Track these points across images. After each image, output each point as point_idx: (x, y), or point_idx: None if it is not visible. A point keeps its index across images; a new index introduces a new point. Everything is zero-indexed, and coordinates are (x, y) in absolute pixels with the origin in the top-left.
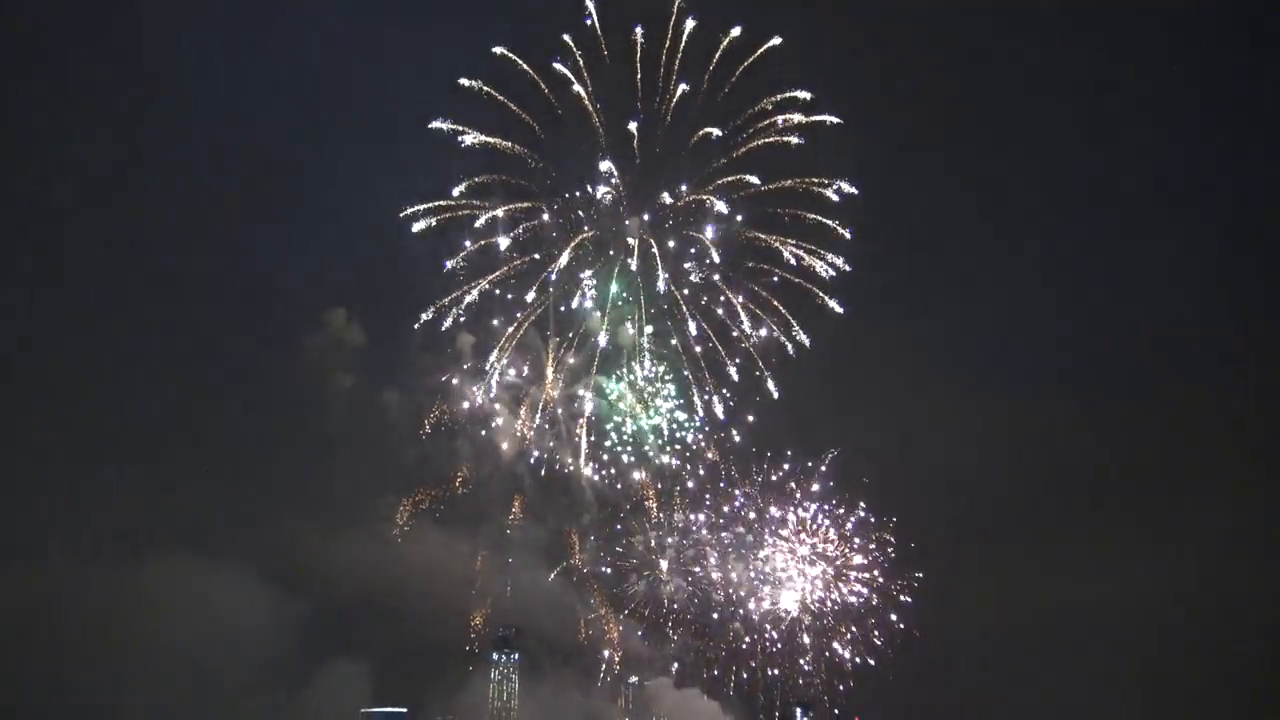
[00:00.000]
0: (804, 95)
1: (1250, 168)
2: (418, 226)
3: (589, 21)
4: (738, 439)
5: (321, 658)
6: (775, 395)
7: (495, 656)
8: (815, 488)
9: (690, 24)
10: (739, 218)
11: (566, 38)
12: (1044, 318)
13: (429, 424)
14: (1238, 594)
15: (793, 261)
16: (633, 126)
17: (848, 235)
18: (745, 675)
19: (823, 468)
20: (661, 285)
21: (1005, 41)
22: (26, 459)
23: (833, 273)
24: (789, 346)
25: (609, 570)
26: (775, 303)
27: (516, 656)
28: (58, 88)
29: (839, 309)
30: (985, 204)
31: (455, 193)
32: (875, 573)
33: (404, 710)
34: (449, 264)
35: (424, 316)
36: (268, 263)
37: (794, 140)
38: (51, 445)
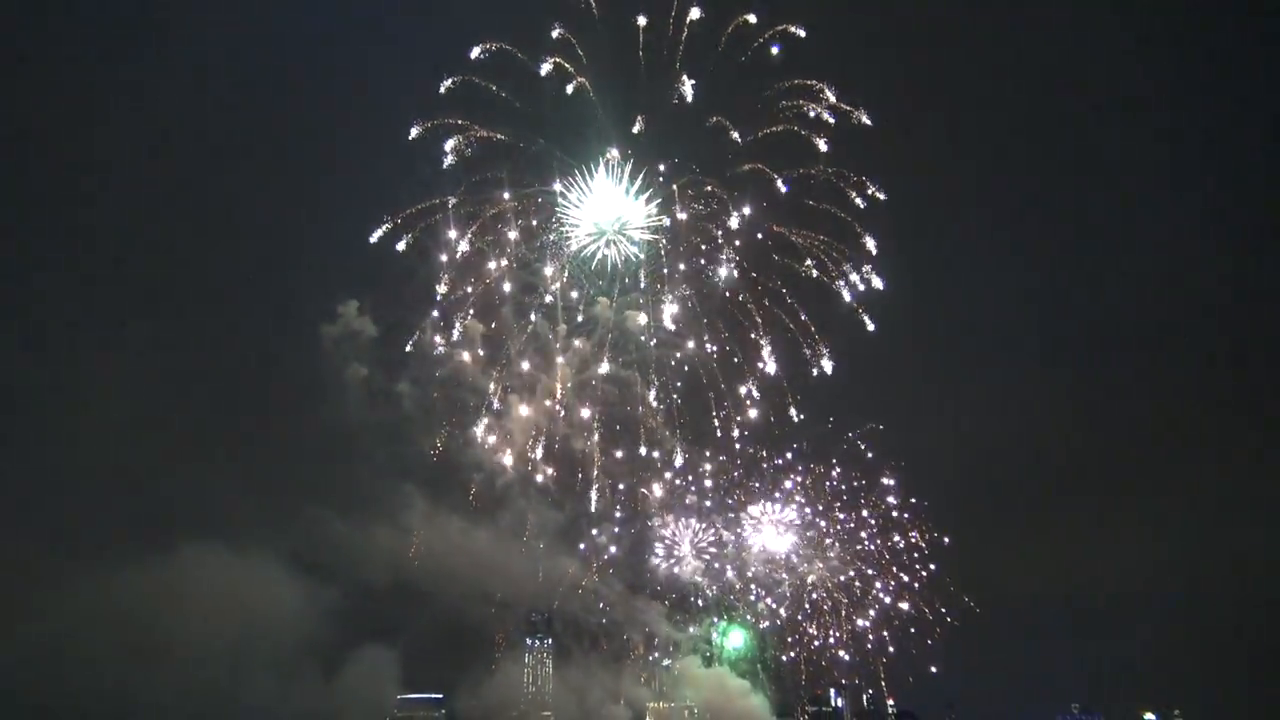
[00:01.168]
0: (824, 89)
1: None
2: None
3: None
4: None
5: (353, 644)
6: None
7: (529, 641)
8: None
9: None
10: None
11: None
12: (1071, 300)
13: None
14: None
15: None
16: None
17: (871, 246)
18: (778, 654)
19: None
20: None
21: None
22: (57, 455)
23: (861, 287)
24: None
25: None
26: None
27: (550, 641)
28: (77, 86)
29: (869, 324)
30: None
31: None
32: (908, 554)
33: (439, 696)
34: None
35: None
36: (282, 255)
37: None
38: (80, 440)
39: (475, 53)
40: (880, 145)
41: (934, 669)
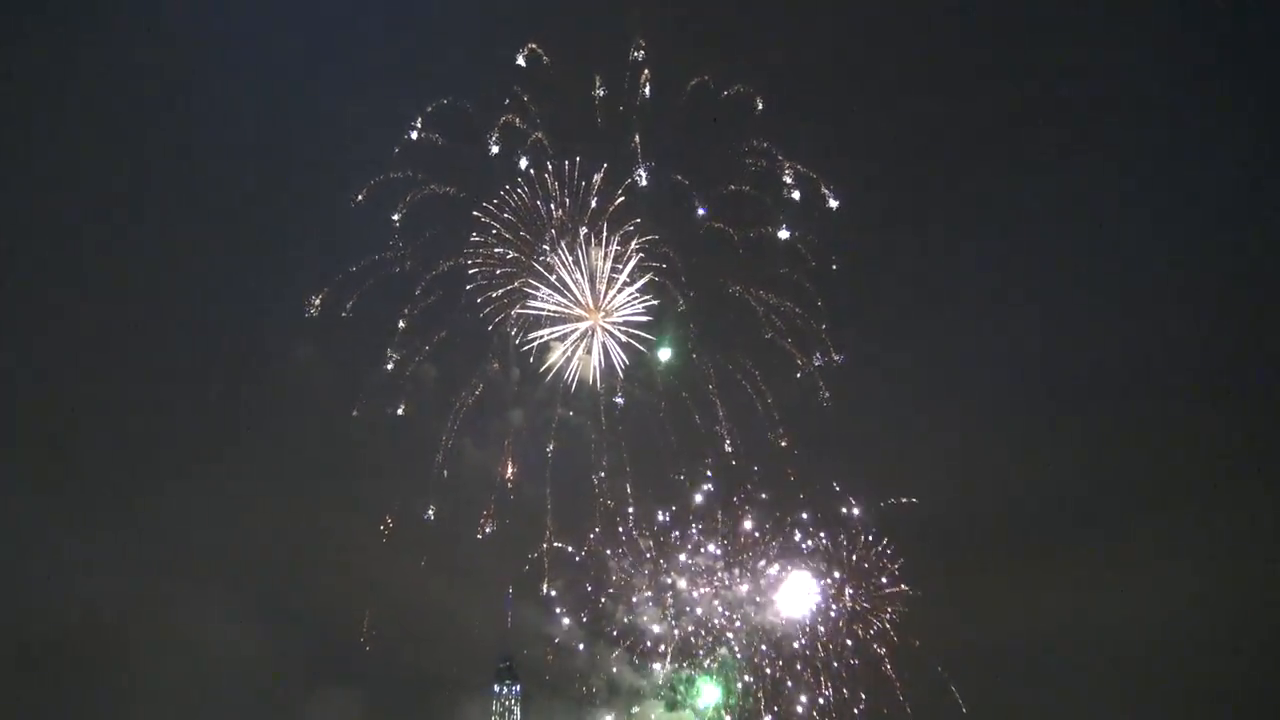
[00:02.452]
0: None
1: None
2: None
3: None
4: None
5: (311, 689)
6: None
7: (496, 688)
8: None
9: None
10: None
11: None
12: (1041, 331)
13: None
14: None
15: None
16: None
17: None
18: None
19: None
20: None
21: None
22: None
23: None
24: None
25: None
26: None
27: (518, 688)
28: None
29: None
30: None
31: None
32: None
33: None
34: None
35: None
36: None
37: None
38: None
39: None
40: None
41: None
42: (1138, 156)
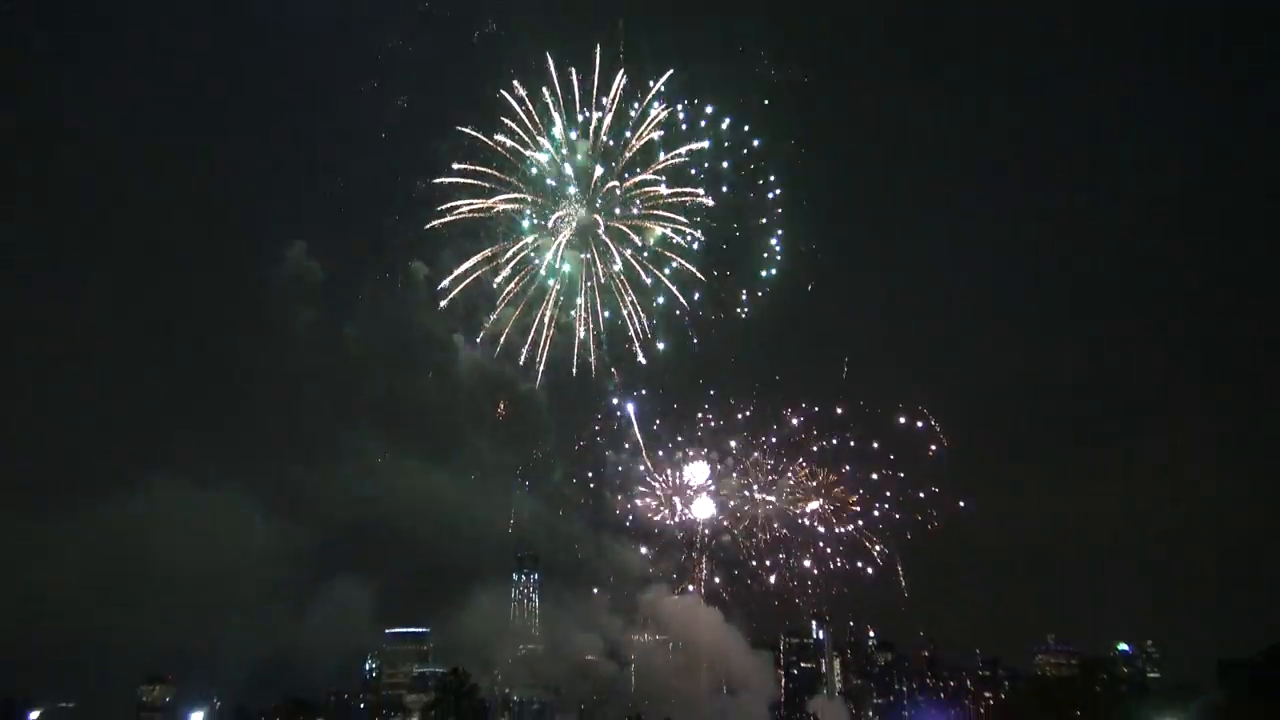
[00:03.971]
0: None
1: None
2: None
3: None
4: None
5: (324, 580)
6: None
7: (515, 576)
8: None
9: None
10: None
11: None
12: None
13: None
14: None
15: None
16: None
17: None
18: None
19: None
20: None
21: None
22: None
23: None
24: None
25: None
26: None
27: (536, 576)
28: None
29: None
30: None
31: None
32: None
33: (426, 630)
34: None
35: None
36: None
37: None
38: (41, 380)
39: None
40: None
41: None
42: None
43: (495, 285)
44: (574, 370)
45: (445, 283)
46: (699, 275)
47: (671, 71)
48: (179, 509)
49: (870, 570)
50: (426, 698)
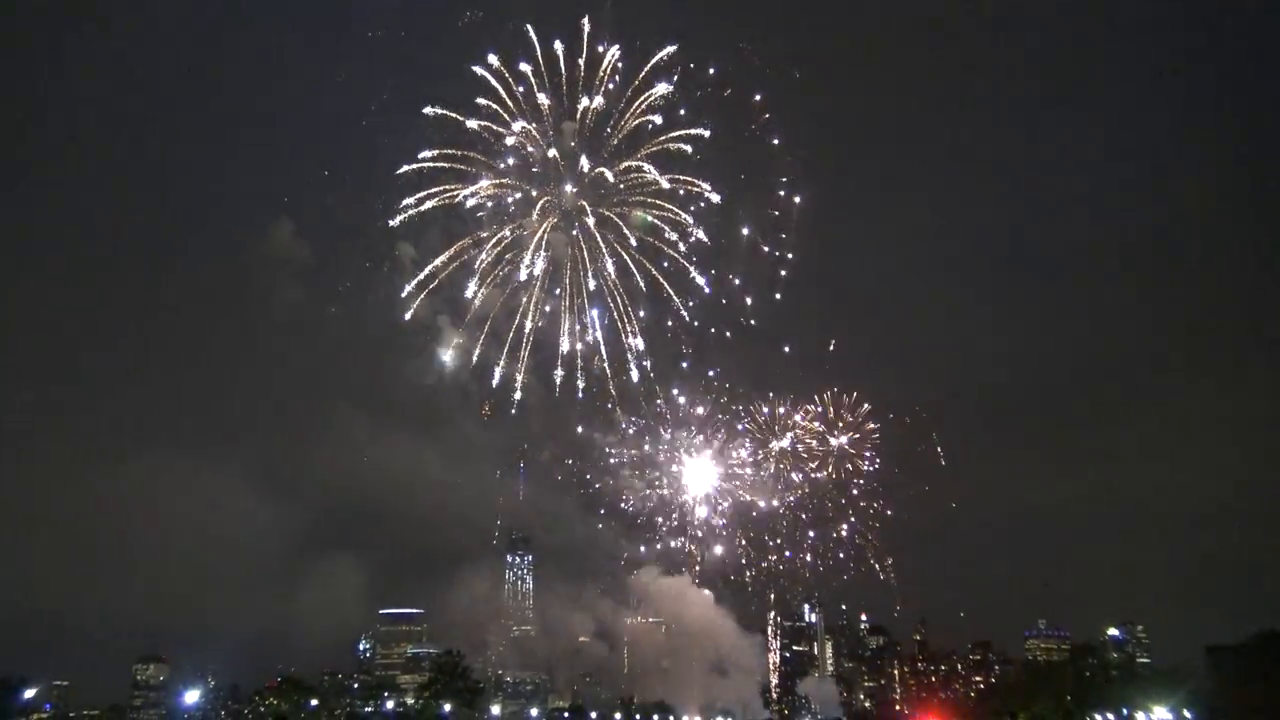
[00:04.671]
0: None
1: None
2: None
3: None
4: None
5: (316, 559)
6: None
7: (510, 558)
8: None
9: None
10: None
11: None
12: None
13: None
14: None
15: None
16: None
17: None
18: (745, 567)
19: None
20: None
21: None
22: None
23: None
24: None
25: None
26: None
27: (530, 557)
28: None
29: None
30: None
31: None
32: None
33: (420, 611)
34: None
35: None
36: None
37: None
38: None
39: None
40: None
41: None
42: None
43: (477, 269)
44: (558, 367)
45: (429, 267)
46: (698, 279)
47: (673, 49)
48: (170, 485)
49: (859, 561)
50: (421, 678)
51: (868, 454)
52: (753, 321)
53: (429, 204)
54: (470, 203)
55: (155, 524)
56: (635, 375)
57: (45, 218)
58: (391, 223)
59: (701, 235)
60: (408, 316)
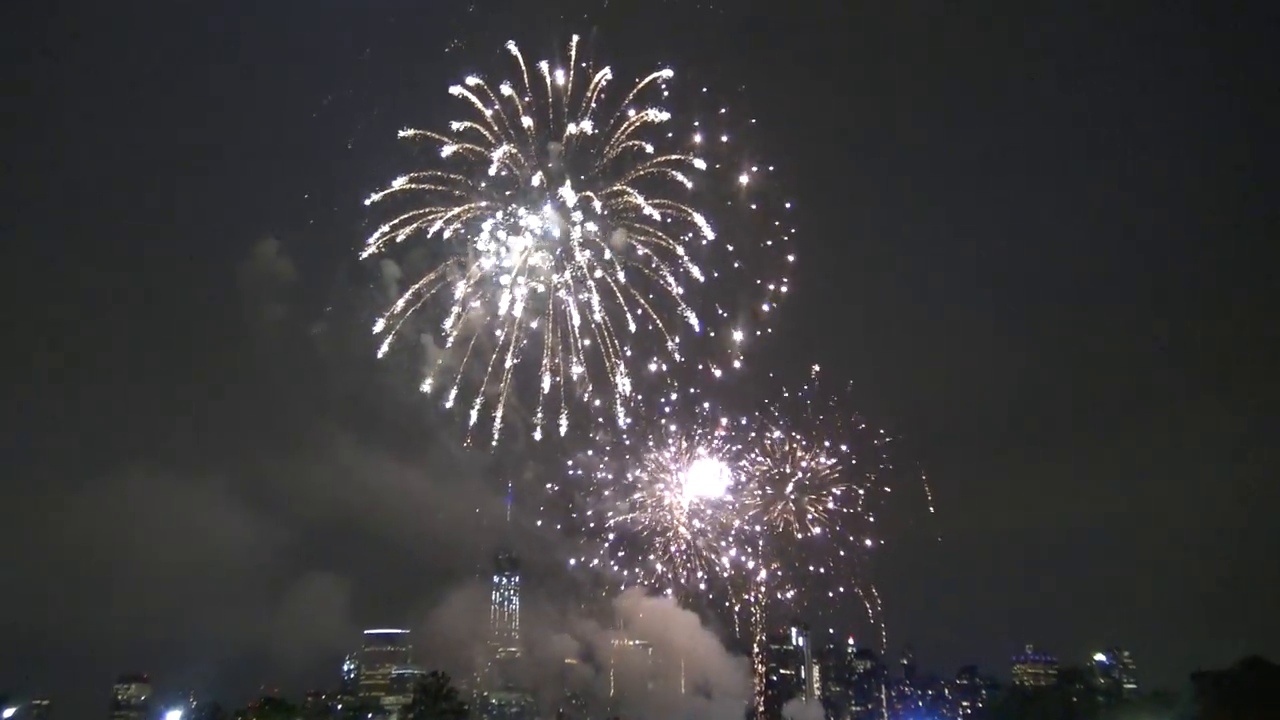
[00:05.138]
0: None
1: None
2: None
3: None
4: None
5: (299, 577)
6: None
7: (496, 579)
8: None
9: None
10: None
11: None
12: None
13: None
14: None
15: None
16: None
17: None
18: (728, 594)
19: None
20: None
21: None
22: None
23: None
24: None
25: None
26: None
27: (516, 578)
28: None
29: None
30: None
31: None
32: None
33: (405, 631)
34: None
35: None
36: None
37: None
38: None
39: None
40: None
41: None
42: None
43: (458, 296)
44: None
45: (413, 288)
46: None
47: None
48: (152, 501)
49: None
50: (405, 699)
51: (840, 490)
52: (740, 360)
53: (405, 230)
54: (446, 233)
55: (137, 542)
56: (621, 414)
57: (18, 227)
58: (369, 240)
59: (695, 270)
60: (387, 341)
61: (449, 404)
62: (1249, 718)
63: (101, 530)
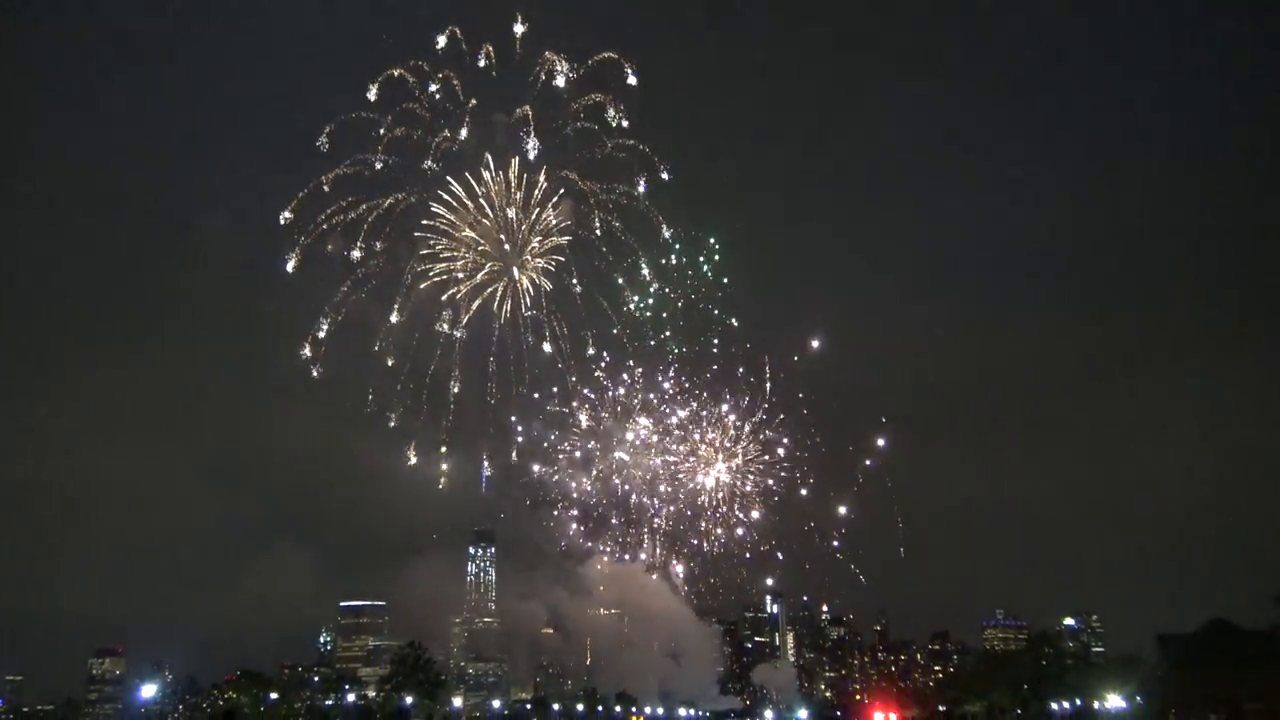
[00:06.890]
0: None
1: None
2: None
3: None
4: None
5: (268, 549)
6: None
7: (472, 550)
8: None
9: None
10: None
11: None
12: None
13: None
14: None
15: None
16: None
17: None
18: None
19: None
20: None
21: None
22: None
23: None
24: None
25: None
26: None
27: (493, 550)
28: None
29: None
30: None
31: None
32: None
33: (382, 603)
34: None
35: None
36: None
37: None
38: None
39: None
40: None
41: (864, 578)
42: None
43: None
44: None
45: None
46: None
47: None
48: (122, 477)
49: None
50: (382, 671)
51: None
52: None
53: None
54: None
55: (108, 516)
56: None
57: None
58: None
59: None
60: (336, 317)
61: (402, 375)
62: (1214, 678)
63: (72, 507)
